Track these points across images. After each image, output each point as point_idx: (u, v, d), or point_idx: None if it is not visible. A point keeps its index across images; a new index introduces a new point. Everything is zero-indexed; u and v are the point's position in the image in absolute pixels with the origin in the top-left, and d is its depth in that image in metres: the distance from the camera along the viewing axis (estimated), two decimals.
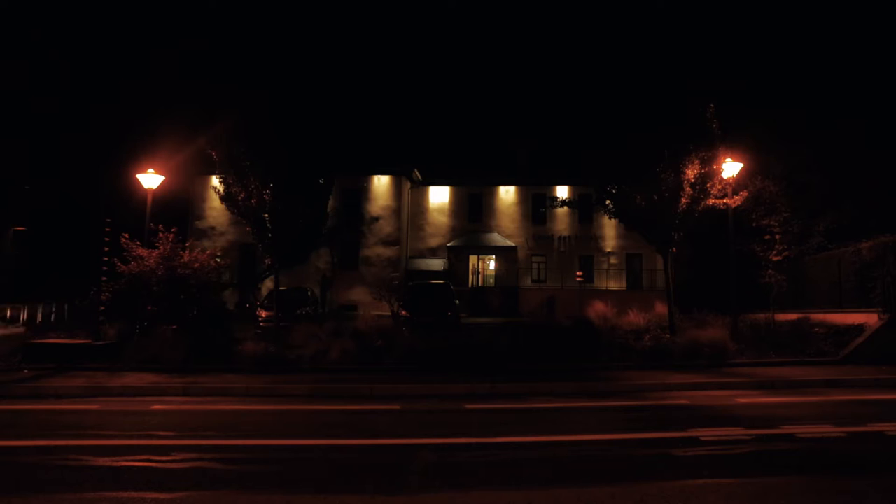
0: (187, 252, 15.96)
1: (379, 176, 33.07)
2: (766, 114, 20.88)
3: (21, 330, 19.35)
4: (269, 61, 16.34)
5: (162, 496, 5.17)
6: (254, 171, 14.84)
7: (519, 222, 35.21)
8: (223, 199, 15.56)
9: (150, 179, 16.05)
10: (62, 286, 19.91)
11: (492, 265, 34.82)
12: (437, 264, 33.89)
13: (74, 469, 5.97)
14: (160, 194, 16.85)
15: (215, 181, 16.47)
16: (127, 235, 15.64)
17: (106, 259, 15.45)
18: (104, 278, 15.42)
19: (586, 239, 34.75)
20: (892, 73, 34.68)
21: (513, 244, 34.43)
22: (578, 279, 31.27)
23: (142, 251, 15.39)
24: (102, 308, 15.36)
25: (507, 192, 35.54)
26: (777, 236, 16.70)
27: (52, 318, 22.59)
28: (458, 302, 21.21)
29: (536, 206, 35.22)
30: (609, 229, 33.97)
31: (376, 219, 32.78)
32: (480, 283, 34.19)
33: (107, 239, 15.62)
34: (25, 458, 6.46)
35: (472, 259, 34.78)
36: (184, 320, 15.25)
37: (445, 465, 6.18)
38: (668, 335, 15.36)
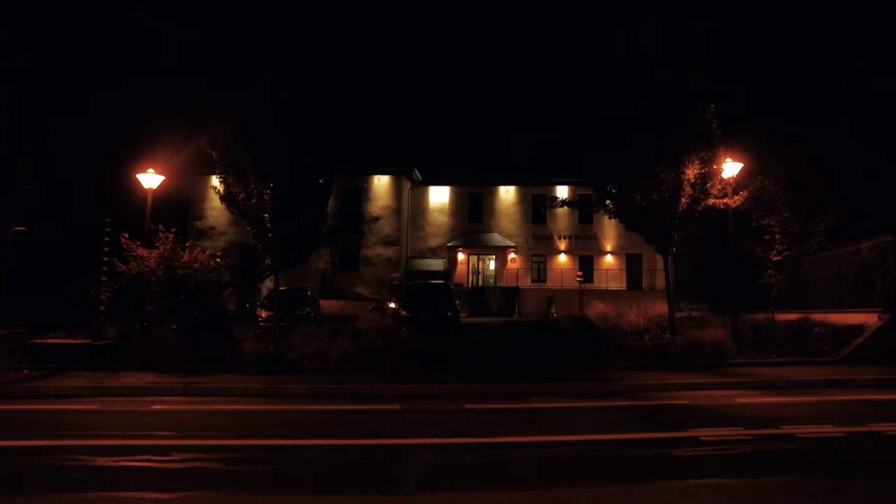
0: (187, 252, 15.97)
1: (379, 176, 33.09)
2: (766, 114, 20.91)
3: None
4: (268, 61, 16.29)
5: (162, 496, 5.17)
6: (254, 171, 14.82)
7: (519, 222, 35.23)
8: (223, 199, 15.54)
9: (150, 179, 16.06)
10: (62, 286, 19.89)
11: (492, 265, 34.83)
12: (437, 264, 33.91)
13: (74, 469, 5.97)
14: (160, 194, 16.86)
15: (215, 181, 16.45)
16: (127, 235, 15.64)
17: (106, 259, 15.45)
18: (104, 278, 15.42)
19: (586, 239, 34.77)
20: (891, 72, 34.64)
21: (513, 244, 34.44)
22: (578, 279, 31.27)
23: (142, 251, 15.40)
24: (102, 308, 15.37)
25: (507, 192, 35.55)
26: (777, 236, 16.72)
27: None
28: (458, 302, 21.14)
29: (536, 206, 35.25)
30: (609, 229, 33.98)
31: (376, 219, 32.79)
32: (480, 283, 34.21)
33: (107, 239, 15.62)
34: (25, 458, 6.45)
35: (472, 259, 34.80)
36: (184, 320, 15.25)
37: (445, 465, 6.18)
38: (668, 335, 15.35)
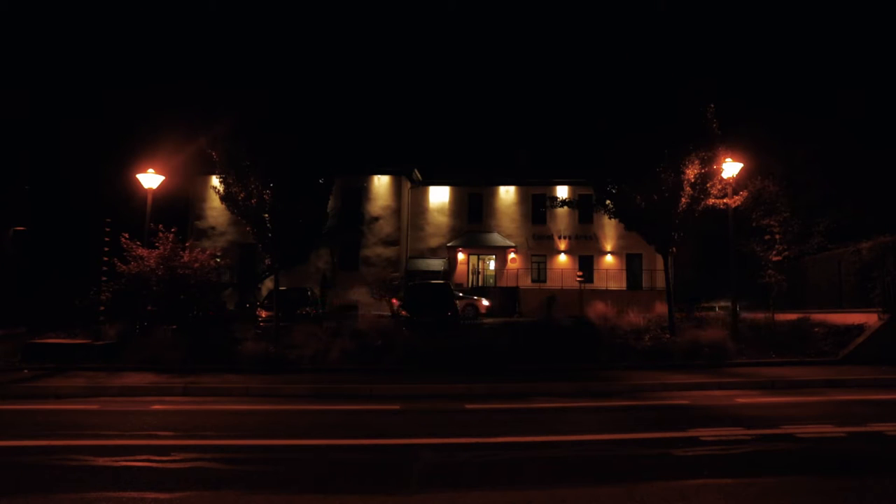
0: (187, 252, 15.97)
1: (379, 176, 33.08)
2: (766, 113, 20.90)
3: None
4: (269, 61, 16.30)
5: (162, 496, 5.17)
6: (254, 171, 14.84)
7: (519, 222, 35.21)
8: (223, 199, 15.56)
9: (150, 179, 16.06)
10: (62, 286, 19.89)
11: (492, 265, 34.82)
12: (437, 264, 33.89)
13: (74, 469, 5.97)
14: (160, 194, 16.86)
15: (215, 181, 16.48)
16: (127, 235, 15.65)
17: (106, 259, 15.47)
18: (104, 278, 15.44)
19: (586, 239, 34.75)
20: (891, 72, 34.68)
21: (513, 244, 34.44)
22: (578, 279, 31.27)
23: (142, 251, 15.40)
24: (102, 308, 15.37)
25: (507, 192, 35.54)
26: (777, 236, 16.71)
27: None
28: (458, 302, 21.09)
29: (536, 206, 35.23)
30: (609, 229, 33.97)
31: (376, 219, 32.78)
32: (480, 283, 34.19)
33: (107, 239, 15.63)
34: (25, 458, 6.45)
35: (472, 259, 34.79)
36: (184, 320, 15.25)
37: (445, 465, 6.18)
38: (668, 335, 15.36)
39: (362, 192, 32.93)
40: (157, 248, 15.53)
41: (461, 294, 27.64)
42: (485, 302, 26.94)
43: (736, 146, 15.99)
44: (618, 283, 33.88)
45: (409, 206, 35.04)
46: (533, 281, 34.35)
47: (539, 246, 34.92)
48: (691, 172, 15.06)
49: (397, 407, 9.50)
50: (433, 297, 18.60)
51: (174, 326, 14.99)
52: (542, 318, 22.19)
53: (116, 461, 6.21)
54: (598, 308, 19.72)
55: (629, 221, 16.64)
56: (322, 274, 29.14)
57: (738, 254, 16.18)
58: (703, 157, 15.16)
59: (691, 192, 15.21)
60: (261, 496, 5.21)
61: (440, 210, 35.49)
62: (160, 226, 15.78)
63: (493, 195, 35.55)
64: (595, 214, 32.86)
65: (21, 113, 29.56)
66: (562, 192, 35.01)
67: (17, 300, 22.91)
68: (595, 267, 34.33)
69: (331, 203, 17.49)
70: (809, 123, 20.57)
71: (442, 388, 10.90)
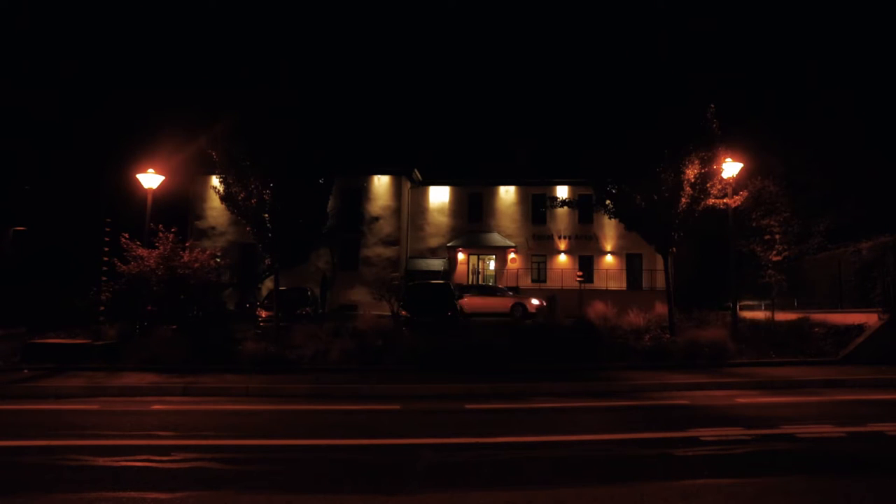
0: (187, 252, 15.97)
1: (379, 176, 33.08)
2: (766, 114, 20.93)
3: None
4: (268, 61, 16.29)
5: (162, 496, 5.17)
6: (254, 171, 14.84)
7: (519, 222, 35.21)
8: (223, 199, 15.56)
9: (150, 179, 16.06)
10: (62, 286, 19.91)
11: (492, 265, 34.83)
12: (437, 264, 33.90)
13: (74, 469, 5.97)
14: (160, 194, 16.87)
15: (215, 181, 16.48)
16: (127, 235, 15.65)
17: (106, 259, 15.48)
18: (104, 278, 15.44)
19: (586, 239, 34.75)
20: (892, 72, 34.68)
21: (513, 244, 34.44)
22: (578, 279, 31.26)
23: (142, 251, 15.40)
24: (102, 308, 15.38)
25: (507, 192, 35.54)
26: (777, 236, 16.73)
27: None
28: (458, 302, 21.07)
29: (536, 206, 35.23)
30: (609, 229, 33.97)
31: (376, 219, 32.78)
32: (480, 283, 34.19)
33: (107, 239, 15.65)
34: (25, 458, 6.45)
35: (472, 259, 34.80)
36: (184, 320, 15.25)
37: (445, 465, 6.18)
38: (668, 335, 15.36)
39: (362, 192, 32.93)
40: (157, 248, 15.53)
41: (510, 292, 26.97)
42: (534, 301, 25.36)
43: (736, 146, 16.00)
44: (618, 283, 33.87)
45: (409, 206, 35.04)
46: (533, 281, 34.33)
47: (539, 246, 34.91)
48: (691, 172, 15.06)
49: (397, 407, 9.50)
50: (433, 297, 18.60)
51: (174, 326, 14.99)
52: (542, 318, 22.19)
53: (116, 461, 6.21)
54: (598, 308, 19.71)
55: (629, 221, 16.63)
56: (322, 274, 29.14)
57: (738, 254, 16.19)
58: (703, 157, 15.15)
59: (691, 192, 15.21)
60: (261, 496, 5.21)
61: (440, 210, 35.49)
62: (160, 226, 15.78)
63: (493, 195, 35.54)
64: (595, 214, 32.86)
65: (21, 112, 29.58)
66: (562, 192, 35.02)
67: (17, 300, 22.92)
68: (595, 267, 34.32)
69: (331, 203, 17.49)
70: (809, 124, 20.59)
71: (442, 388, 10.91)
